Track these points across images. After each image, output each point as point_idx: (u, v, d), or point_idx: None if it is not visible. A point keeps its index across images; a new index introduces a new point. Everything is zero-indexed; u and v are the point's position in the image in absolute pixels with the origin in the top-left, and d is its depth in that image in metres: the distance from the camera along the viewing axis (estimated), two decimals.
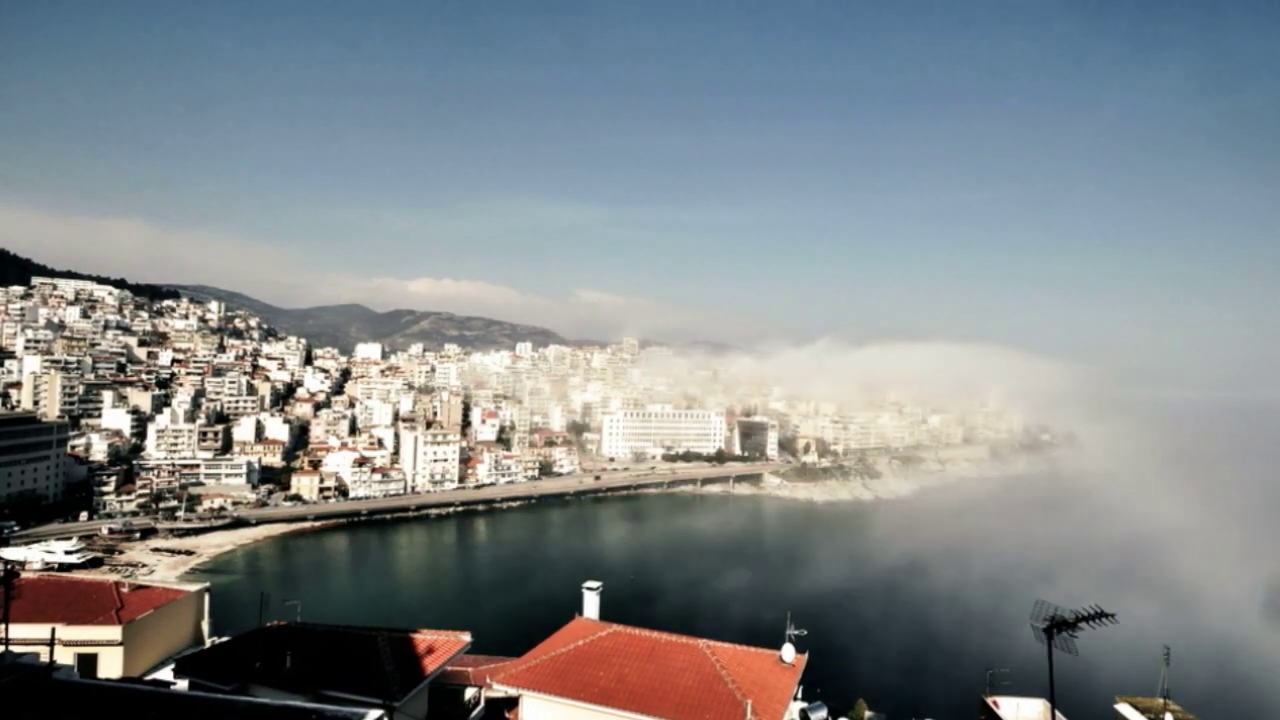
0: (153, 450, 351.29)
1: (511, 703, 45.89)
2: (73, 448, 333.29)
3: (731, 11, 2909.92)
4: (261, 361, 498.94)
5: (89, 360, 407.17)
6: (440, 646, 44.72)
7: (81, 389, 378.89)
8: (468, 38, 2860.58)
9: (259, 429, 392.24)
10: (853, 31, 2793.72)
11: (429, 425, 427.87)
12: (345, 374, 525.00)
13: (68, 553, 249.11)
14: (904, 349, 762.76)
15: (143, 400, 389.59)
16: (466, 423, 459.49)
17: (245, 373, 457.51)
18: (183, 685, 40.87)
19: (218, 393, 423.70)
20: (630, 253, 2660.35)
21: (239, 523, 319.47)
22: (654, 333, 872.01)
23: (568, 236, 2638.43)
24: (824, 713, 57.55)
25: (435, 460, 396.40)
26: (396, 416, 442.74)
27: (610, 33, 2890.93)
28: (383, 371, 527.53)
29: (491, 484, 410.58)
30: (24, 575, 69.50)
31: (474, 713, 45.43)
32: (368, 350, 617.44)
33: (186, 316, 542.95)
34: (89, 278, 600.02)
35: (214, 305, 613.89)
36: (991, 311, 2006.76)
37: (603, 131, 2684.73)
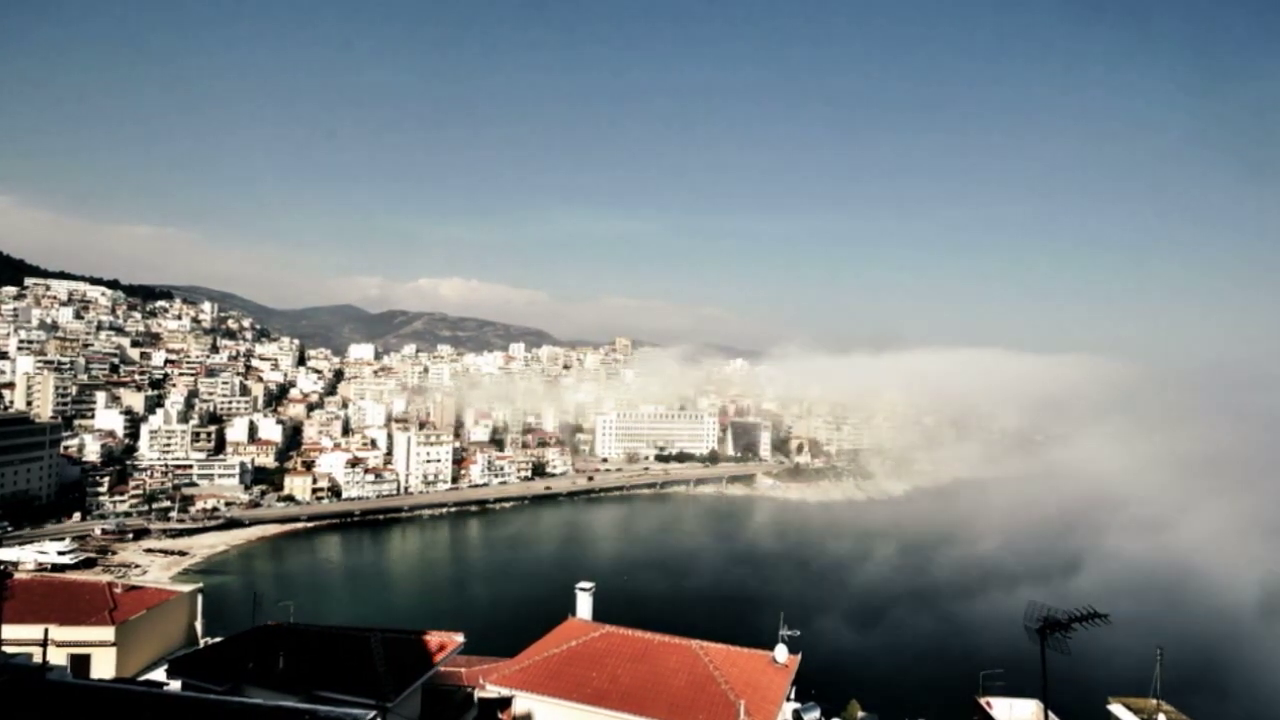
0: (146, 451, 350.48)
1: (504, 703, 45.89)
2: (66, 448, 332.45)
3: (727, 19, 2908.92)
4: (254, 362, 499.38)
5: (82, 361, 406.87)
6: (433, 647, 44.75)
7: (75, 389, 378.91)
8: (469, 40, 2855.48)
9: (252, 429, 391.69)
10: (842, 37, 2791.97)
11: (422, 426, 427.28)
12: (338, 375, 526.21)
13: (61, 553, 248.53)
14: (899, 354, 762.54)
15: (136, 401, 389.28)
16: (459, 423, 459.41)
17: (238, 373, 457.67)
18: (176, 686, 40.87)
19: (211, 393, 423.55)
20: (629, 257, 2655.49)
21: (232, 523, 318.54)
22: (650, 334, 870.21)
23: (566, 239, 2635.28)
24: (817, 713, 57.75)
25: (428, 461, 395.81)
26: (389, 417, 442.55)
27: (616, 35, 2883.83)
28: (376, 372, 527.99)
29: (484, 485, 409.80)
30: (17, 576, 69.50)
31: (467, 713, 45.45)
32: (361, 351, 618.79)
33: (179, 317, 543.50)
34: (82, 278, 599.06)
35: (207, 306, 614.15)
36: (988, 314, 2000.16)
37: (604, 136, 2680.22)
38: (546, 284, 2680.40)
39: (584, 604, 56.08)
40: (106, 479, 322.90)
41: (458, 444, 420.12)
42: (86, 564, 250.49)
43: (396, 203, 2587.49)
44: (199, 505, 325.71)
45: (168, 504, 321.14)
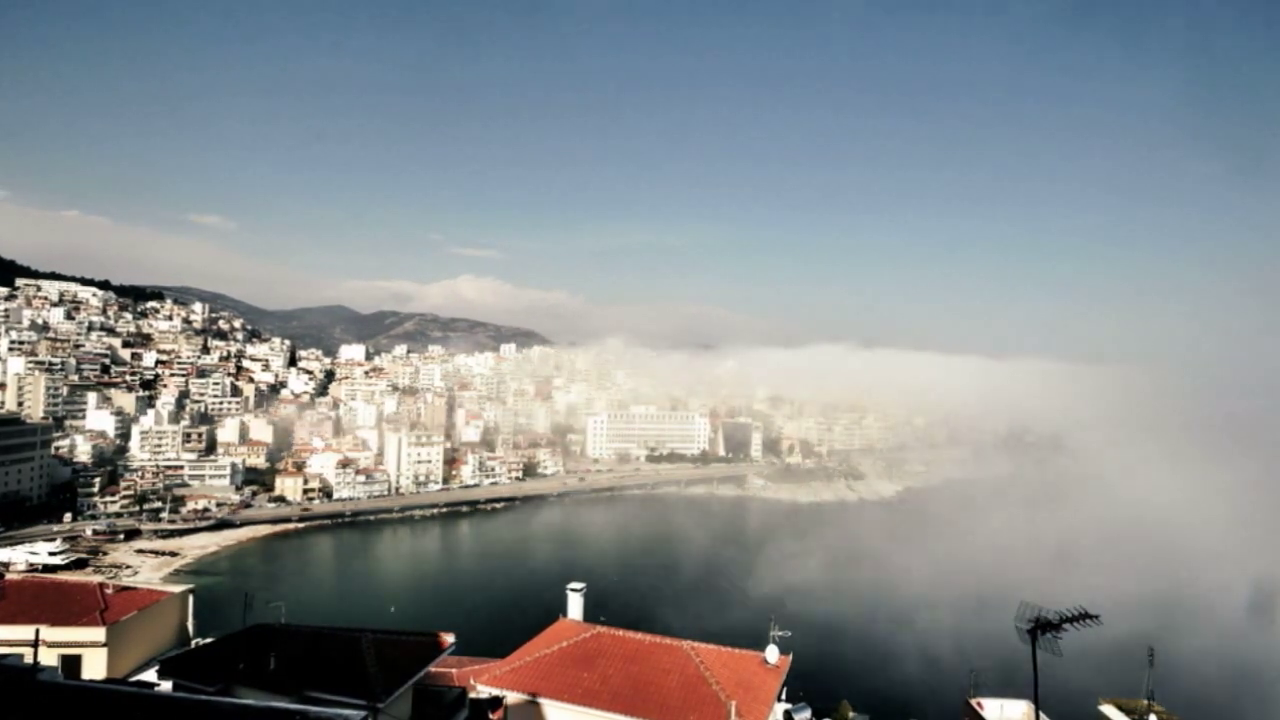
0: (137, 451, 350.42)
1: (495, 704, 45.89)
2: (57, 449, 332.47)
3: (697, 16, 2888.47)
4: (245, 363, 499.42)
5: (73, 361, 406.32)
6: (424, 647, 44.69)
7: (66, 390, 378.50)
8: (459, 35, 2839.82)
9: (243, 430, 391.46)
10: (828, 23, 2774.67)
11: (413, 426, 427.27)
12: (329, 375, 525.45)
13: (52, 554, 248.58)
14: (893, 355, 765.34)
15: (127, 401, 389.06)
16: (451, 424, 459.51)
17: (229, 374, 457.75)
18: (166, 686, 40.79)
19: (202, 394, 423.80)
20: (631, 262, 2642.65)
21: (223, 524, 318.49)
22: (639, 334, 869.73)
23: (567, 242, 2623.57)
24: (808, 714, 57.71)
25: (419, 461, 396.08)
26: (381, 418, 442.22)
27: (608, 33, 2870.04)
28: (367, 373, 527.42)
29: (475, 485, 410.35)
30: (8, 576, 69.41)
31: (458, 714, 45.41)
32: (352, 351, 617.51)
33: (170, 318, 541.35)
34: (73, 279, 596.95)
35: (198, 306, 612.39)
36: (983, 315, 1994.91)
37: (597, 135, 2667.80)
38: (539, 286, 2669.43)
39: (575, 604, 56.07)
40: (97, 480, 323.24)
41: (449, 445, 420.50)
42: (77, 565, 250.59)
43: (392, 203, 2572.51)
44: (190, 506, 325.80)
45: (159, 505, 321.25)
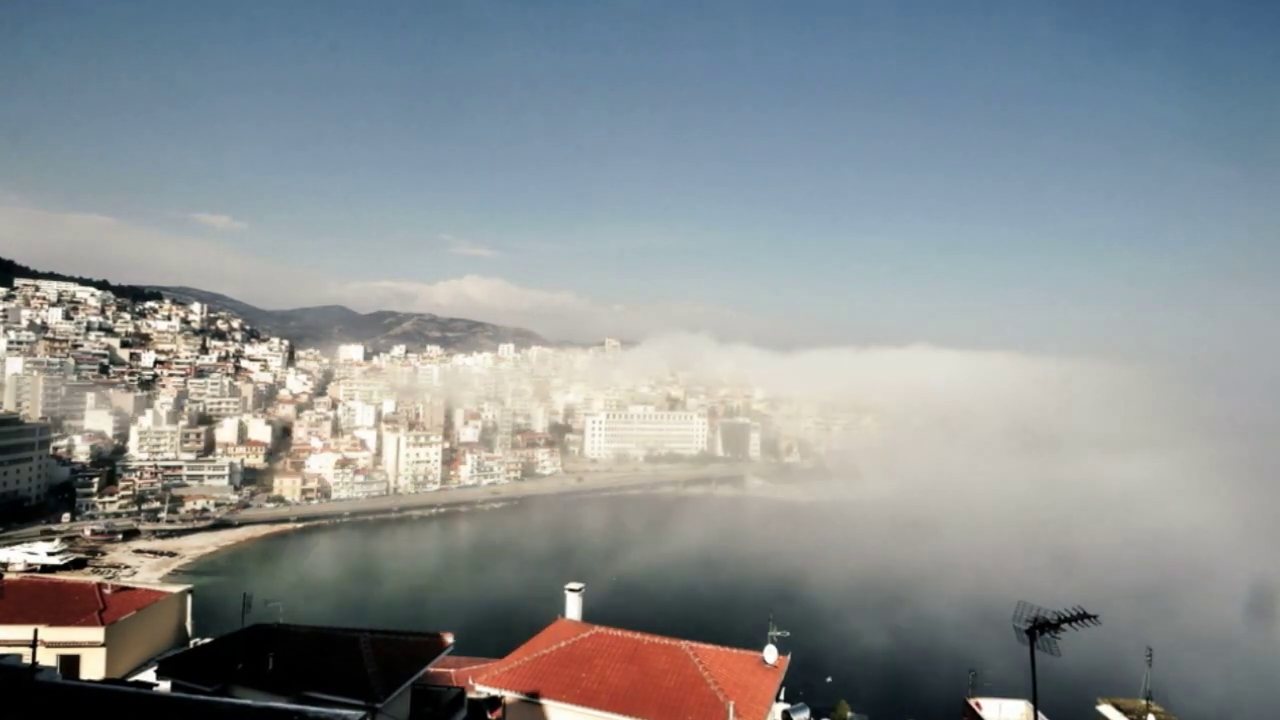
0: (135, 451, 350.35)
1: (494, 704, 45.92)
2: (55, 449, 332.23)
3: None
4: (244, 363, 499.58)
5: (71, 362, 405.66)
6: (422, 648, 44.75)
7: (64, 390, 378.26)
8: (464, 35, 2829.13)
9: (241, 430, 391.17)
10: (827, 24, 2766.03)
11: (412, 427, 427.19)
12: (328, 375, 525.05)
13: (50, 554, 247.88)
14: (890, 353, 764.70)
15: (125, 401, 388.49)
16: (449, 424, 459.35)
17: (228, 374, 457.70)
18: (165, 686, 40.81)
19: (200, 394, 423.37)
20: (635, 264, 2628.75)
21: (221, 524, 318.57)
22: (639, 334, 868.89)
23: (550, 239, 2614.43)
24: (806, 714, 57.74)
25: (418, 461, 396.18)
26: (379, 418, 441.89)
27: (605, 30, 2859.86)
28: (365, 373, 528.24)
29: (474, 485, 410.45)
30: (6, 577, 69.45)
31: (456, 714, 45.43)
32: (350, 351, 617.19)
33: (169, 318, 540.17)
34: (71, 279, 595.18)
35: (196, 307, 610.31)
36: (979, 314, 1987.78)
37: (601, 135, 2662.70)
38: (542, 286, 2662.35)
39: (573, 604, 56.05)
40: (96, 480, 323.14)
41: (447, 445, 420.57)
42: (76, 565, 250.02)
43: (398, 203, 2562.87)
44: (188, 506, 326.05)
45: (157, 505, 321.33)
